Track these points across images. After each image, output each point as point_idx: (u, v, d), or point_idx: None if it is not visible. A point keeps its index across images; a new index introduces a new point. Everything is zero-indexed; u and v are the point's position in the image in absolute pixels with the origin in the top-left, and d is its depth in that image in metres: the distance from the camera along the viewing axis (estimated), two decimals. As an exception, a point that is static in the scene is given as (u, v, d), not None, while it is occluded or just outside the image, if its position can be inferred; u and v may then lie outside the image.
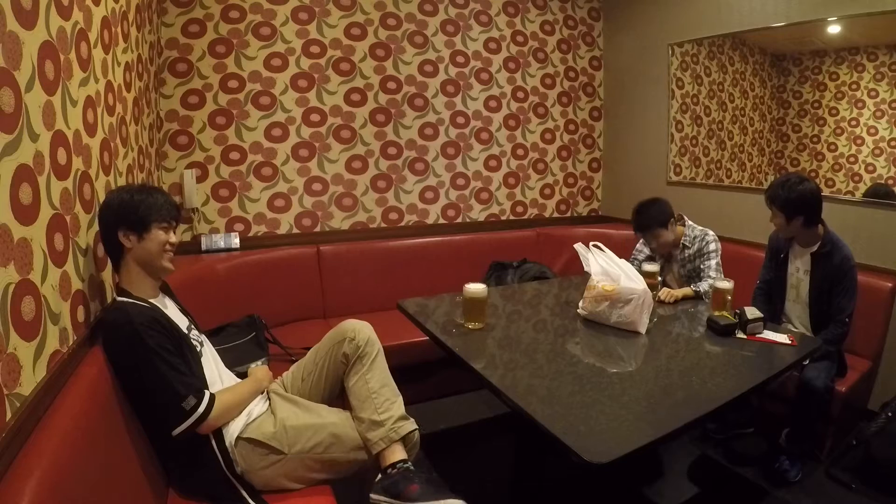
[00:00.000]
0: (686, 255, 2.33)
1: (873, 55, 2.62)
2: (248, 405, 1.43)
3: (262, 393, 1.52)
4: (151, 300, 1.37)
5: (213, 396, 1.31)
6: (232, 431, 1.35)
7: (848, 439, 2.01)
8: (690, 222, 2.36)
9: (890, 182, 2.58)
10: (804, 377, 1.88)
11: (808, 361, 1.86)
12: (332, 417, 1.44)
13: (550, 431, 1.15)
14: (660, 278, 2.19)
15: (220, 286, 2.37)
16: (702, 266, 2.26)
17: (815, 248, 2.00)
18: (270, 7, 2.75)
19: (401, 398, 1.48)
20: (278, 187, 2.87)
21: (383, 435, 1.39)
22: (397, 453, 1.39)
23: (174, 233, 1.40)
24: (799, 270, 2.08)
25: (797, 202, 1.91)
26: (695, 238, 2.30)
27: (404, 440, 1.41)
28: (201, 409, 1.27)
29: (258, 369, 1.58)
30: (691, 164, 3.28)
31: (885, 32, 2.49)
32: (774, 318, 2.13)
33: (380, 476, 1.37)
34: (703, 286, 2.18)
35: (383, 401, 1.43)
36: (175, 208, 1.41)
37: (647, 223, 2.26)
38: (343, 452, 1.39)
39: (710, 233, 2.29)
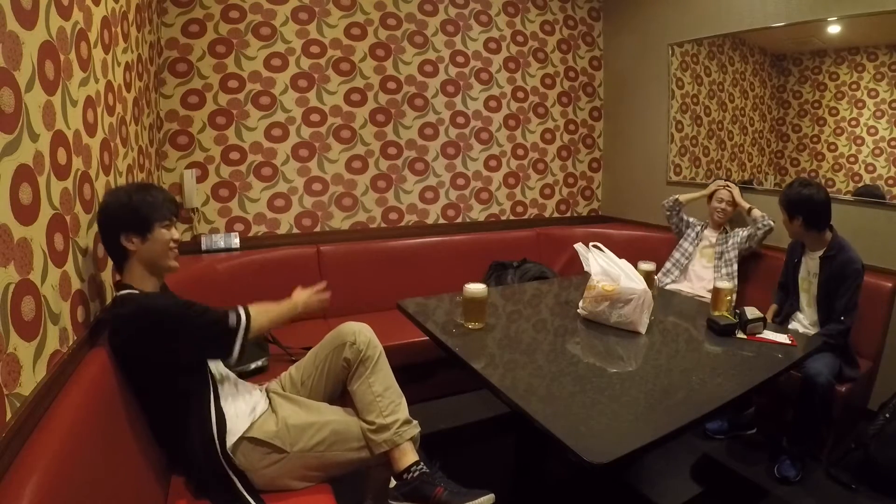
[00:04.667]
0: (736, 235, 2.66)
1: (873, 55, 2.62)
2: (254, 399, 1.44)
3: (297, 309, 1.55)
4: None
5: (245, 307, 1.38)
6: (238, 430, 1.34)
7: (847, 441, 2.01)
8: None
9: (890, 182, 2.58)
10: (807, 373, 1.88)
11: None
12: (334, 415, 1.44)
13: (550, 431, 1.14)
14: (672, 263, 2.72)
15: (220, 286, 2.37)
16: (743, 234, 2.64)
17: (822, 252, 2.08)
18: (270, 7, 2.75)
19: (404, 400, 1.49)
20: (278, 187, 2.87)
21: (388, 438, 1.39)
22: (409, 455, 1.39)
23: (175, 229, 1.41)
24: (809, 274, 2.15)
25: (796, 202, 2.05)
26: (734, 230, 2.72)
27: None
28: (243, 319, 1.35)
29: (298, 292, 1.62)
30: (691, 164, 3.28)
31: (885, 32, 2.49)
32: (789, 316, 2.24)
33: (396, 482, 1.37)
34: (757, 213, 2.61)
35: (388, 403, 1.44)
36: (174, 203, 1.41)
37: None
38: (345, 450, 1.39)
39: None
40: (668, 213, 2.90)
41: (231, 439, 1.32)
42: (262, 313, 1.43)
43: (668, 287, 2.72)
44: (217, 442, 1.31)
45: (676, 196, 2.90)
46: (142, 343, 1.25)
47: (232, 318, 1.34)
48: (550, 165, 3.63)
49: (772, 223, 2.52)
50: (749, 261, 2.67)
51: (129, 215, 1.30)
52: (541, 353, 1.65)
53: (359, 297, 2.77)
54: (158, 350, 1.26)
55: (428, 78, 3.17)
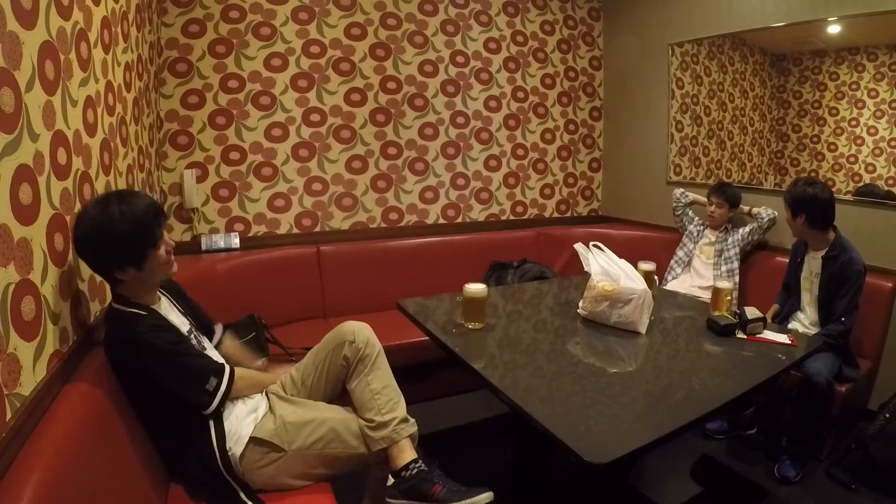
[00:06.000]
0: (736, 233, 2.67)
1: (873, 55, 2.62)
2: (255, 401, 1.45)
3: (274, 382, 1.57)
4: (152, 306, 1.34)
5: (233, 371, 1.36)
6: (244, 434, 1.34)
7: (847, 441, 2.01)
8: None
9: (890, 182, 2.58)
10: (806, 372, 1.89)
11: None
12: (331, 413, 1.45)
13: (550, 431, 1.15)
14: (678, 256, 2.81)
15: (220, 286, 2.37)
16: (745, 230, 2.65)
17: (824, 252, 2.08)
18: (270, 7, 2.75)
19: (402, 398, 1.49)
20: (278, 187, 2.87)
21: (385, 435, 1.39)
22: (407, 453, 1.39)
23: (166, 234, 1.30)
24: (811, 273, 2.16)
25: (799, 200, 2.06)
26: (736, 228, 2.73)
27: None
28: (223, 387, 1.31)
29: (279, 369, 1.67)
30: (691, 164, 3.28)
31: (885, 32, 2.49)
32: (789, 316, 2.25)
33: (393, 479, 1.37)
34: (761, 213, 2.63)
35: (386, 401, 1.44)
36: (157, 209, 1.27)
37: (733, 194, 2.70)
38: (343, 448, 1.40)
39: None
40: (676, 203, 2.92)
41: (233, 446, 1.32)
42: (244, 379, 1.42)
43: (671, 281, 2.75)
44: (217, 451, 1.30)
45: (688, 193, 2.93)
46: (133, 366, 1.23)
47: (211, 383, 1.29)
48: (550, 165, 3.63)
49: (774, 213, 2.54)
50: (751, 262, 2.67)
51: (119, 249, 1.18)
52: (541, 353, 1.65)
53: (359, 297, 2.78)
54: (147, 376, 1.24)
55: (428, 78, 3.17)
